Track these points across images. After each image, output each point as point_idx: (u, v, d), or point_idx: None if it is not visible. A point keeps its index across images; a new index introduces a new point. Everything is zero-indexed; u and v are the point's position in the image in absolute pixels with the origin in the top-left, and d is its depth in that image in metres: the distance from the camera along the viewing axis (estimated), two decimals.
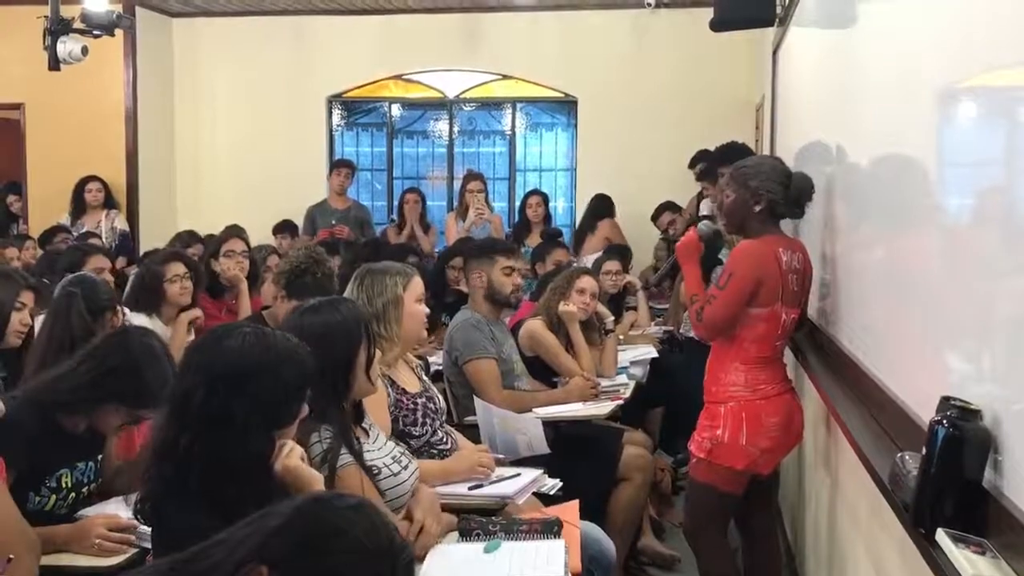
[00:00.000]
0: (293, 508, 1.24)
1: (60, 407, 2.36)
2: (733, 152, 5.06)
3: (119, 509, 2.37)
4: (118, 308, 3.15)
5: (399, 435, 2.70)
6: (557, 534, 2.21)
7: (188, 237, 5.59)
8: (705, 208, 5.87)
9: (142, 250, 6.57)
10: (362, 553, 1.20)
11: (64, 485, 2.40)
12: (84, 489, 2.46)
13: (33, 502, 2.33)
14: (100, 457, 2.52)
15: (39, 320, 3.15)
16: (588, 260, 5.63)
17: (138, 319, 3.80)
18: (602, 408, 3.64)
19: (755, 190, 2.80)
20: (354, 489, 2.12)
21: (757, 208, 2.81)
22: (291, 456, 1.86)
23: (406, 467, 2.40)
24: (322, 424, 2.18)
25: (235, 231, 4.78)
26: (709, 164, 5.91)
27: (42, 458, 2.33)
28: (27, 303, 3.08)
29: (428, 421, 2.80)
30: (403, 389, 2.78)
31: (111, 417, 2.42)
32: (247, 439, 1.75)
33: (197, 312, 4.01)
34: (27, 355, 2.99)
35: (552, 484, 2.77)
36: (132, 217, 7.34)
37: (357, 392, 2.30)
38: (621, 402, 3.73)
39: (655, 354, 4.57)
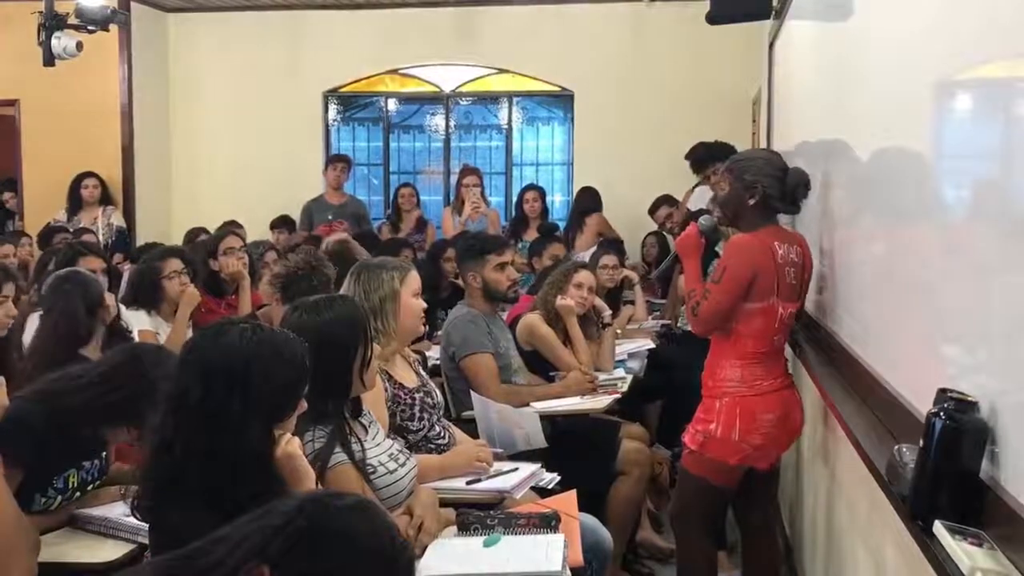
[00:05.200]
0: (295, 507, 1.23)
1: (72, 416, 2.34)
2: (724, 151, 5.08)
3: (118, 507, 2.36)
4: (108, 303, 3.15)
5: (396, 430, 2.70)
6: (555, 528, 2.22)
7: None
8: (698, 198, 5.87)
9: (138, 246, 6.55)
10: (364, 554, 1.20)
11: (71, 485, 2.40)
12: (89, 487, 2.46)
13: (39, 503, 2.33)
14: (104, 454, 2.51)
15: (32, 319, 3.18)
16: (581, 257, 5.61)
17: (137, 317, 3.79)
18: (600, 402, 3.64)
19: (750, 183, 2.80)
20: (346, 488, 2.11)
21: (751, 201, 2.80)
22: (291, 443, 1.87)
23: (403, 464, 2.40)
24: (317, 424, 2.18)
25: (231, 228, 4.78)
26: (700, 157, 5.94)
27: (51, 460, 2.33)
28: (10, 295, 3.10)
29: (425, 416, 2.80)
30: (400, 384, 2.78)
31: (121, 434, 2.42)
32: (245, 435, 1.74)
33: (195, 295, 3.97)
34: (9, 347, 3.07)
35: (550, 478, 2.78)
36: (128, 213, 7.32)
37: (352, 392, 2.30)
38: (619, 396, 3.73)
39: (651, 344, 4.58)
